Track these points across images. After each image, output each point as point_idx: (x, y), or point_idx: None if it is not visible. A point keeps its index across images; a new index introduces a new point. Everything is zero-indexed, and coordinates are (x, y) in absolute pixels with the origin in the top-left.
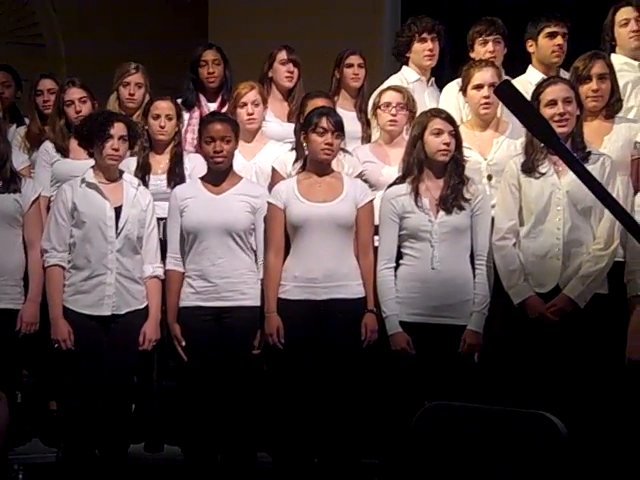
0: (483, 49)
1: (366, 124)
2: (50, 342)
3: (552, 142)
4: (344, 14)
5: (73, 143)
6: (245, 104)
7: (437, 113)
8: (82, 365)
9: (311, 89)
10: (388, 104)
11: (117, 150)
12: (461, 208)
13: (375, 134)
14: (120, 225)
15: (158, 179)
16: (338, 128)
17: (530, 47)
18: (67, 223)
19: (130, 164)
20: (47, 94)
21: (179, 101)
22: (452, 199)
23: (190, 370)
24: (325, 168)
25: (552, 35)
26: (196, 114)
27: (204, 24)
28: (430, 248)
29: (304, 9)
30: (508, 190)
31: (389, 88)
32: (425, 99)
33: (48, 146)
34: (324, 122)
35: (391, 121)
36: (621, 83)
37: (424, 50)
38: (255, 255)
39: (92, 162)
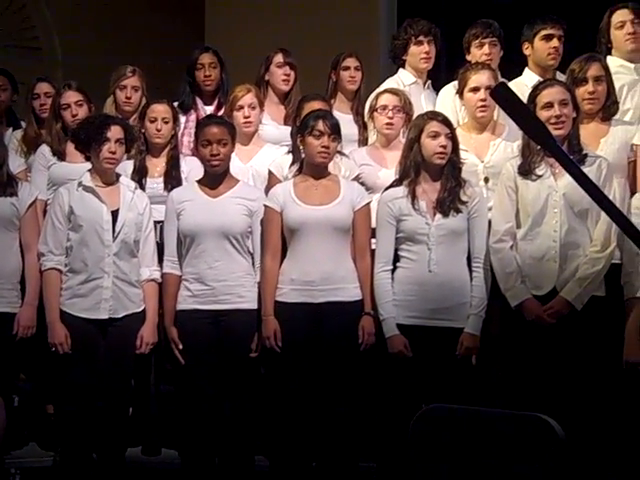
0: (479, 52)
1: (363, 127)
2: (47, 346)
3: (548, 144)
4: (340, 17)
5: (70, 146)
6: (242, 107)
7: (434, 116)
8: (79, 369)
9: (307, 92)
10: (385, 107)
11: (114, 153)
12: (458, 211)
13: (372, 137)
14: (117, 228)
15: (155, 182)
16: (334, 131)
17: (526, 50)
18: (64, 226)
19: (127, 167)
20: (44, 97)
21: (176, 104)
22: (449, 202)
23: (187, 373)
24: (322, 171)
25: (548, 37)
26: (192, 117)
27: (201, 27)
28: (427, 251)
29: (300, 12)
30: (505, 192)
31: (386, 91)
32: (421, 102)
33: (45, 150)
34: (320, 125)
35: (388, 124)
36: (617, 85)
37: (420, 53)
38: (252, 258)
39: (89, 165)
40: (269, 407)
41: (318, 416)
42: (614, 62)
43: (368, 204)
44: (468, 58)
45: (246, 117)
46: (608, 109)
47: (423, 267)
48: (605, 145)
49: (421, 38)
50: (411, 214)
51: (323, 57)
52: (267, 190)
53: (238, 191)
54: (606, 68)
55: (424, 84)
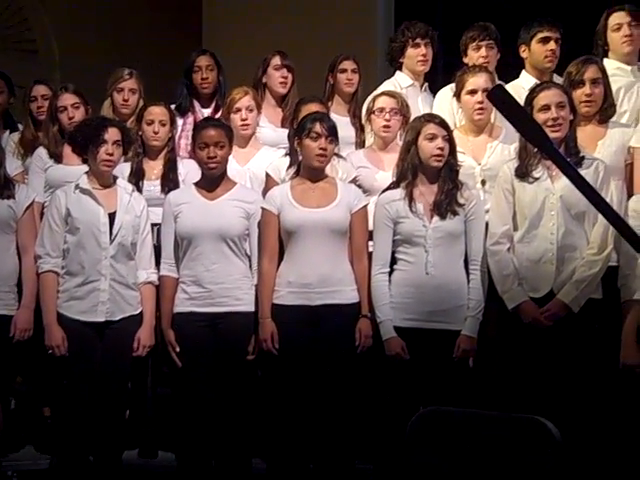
0: (476, 54)
1: (360, 129)
2: (44, 348)
3: (545, 147)
4: (338, 20)
5: (67, 149)
6: (239, 110)
7: (431, 118)
8: (76, 371)
9: (305, 94)
10: (382, 109)
11: (111, 155)
12: (455, 213)
13: (369, 139)
14: (114, 231)
15: (152, 185)
16: (332, 133)
17: (523, 52)
18: (61, 229)
19: (124, 170)
20: (41, 100)
21: (173, 107)
22: (446, 204)
23: (184, 376)
24: (319, 173)
25: (545, 40)
26: (190, 120)
27: (198, 30)
28: (424, 253)
29: (298, 15)
30: (502, 195)
31: (383, 93)
32: (419, 104)
33: (41, 152)
34: (318, 127)
35: (385, 126)
36: (614, 88)
37: (417, 55)
38: (249, 261)
39: (86, 168)
40: (266, 410)
41: (315, 418)
42: (611, 64)
43: (365, 206)
44: (465, 61)
45: (243, 120)
46: (605, 111)
47: (420, 269)
48: (602, 147)
49: (418, 41)
50: (408, 216)
51: (320, 60)
52: (264, 192)
53: (235, 194)
54: (603, 70)
55: (421, 86)
